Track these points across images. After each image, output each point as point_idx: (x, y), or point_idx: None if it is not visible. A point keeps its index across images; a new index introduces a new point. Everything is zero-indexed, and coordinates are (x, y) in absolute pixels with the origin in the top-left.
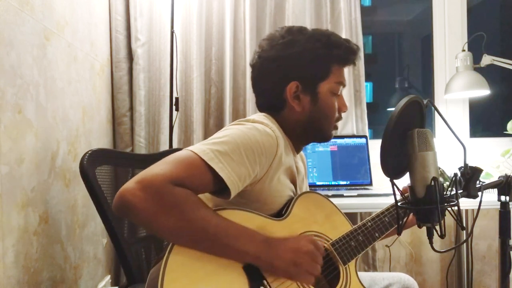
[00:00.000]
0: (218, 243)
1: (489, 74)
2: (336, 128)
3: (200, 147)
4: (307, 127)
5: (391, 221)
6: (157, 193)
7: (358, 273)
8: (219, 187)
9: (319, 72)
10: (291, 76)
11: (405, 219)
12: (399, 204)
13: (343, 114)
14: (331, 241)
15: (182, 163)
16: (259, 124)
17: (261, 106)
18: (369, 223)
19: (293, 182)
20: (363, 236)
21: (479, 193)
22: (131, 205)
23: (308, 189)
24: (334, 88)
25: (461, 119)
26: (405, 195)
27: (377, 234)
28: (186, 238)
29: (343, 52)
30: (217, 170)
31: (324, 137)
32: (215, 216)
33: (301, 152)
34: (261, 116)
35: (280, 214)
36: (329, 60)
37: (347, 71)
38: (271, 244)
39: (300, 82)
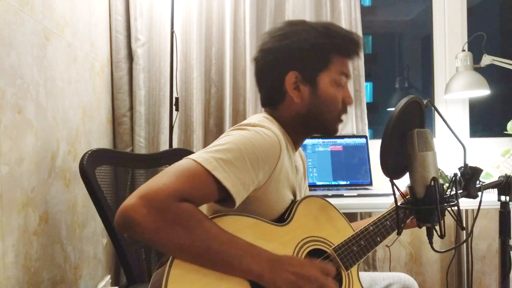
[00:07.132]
0: (221, 261)
1: (489, 74)
2: (341, 121)
3: (203, 156)
4: (308, 119)
5: (392, 224)
6: (160, 210)
7: (359, 273)
8: (223, 196)
9: (318, 61)
10: (290, 66)
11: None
12: (399, 204)
13: None
14: (333, 247)
15: (185, 174)
16: (261, 128)
17: (263, 101)
18: (371, 227)
19: (294, 182)
20: (365, 241)
21: (479, 193)
22: (135, 222)
23: (307, 189)
24: (337, 79)
25: (461, 119)
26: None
27: (379, 238)
28: (190, 255)
29: (342, 42)
30: (221, 180)
31: (327, 130)
32: (219, 232)
33: (301, 150)
34: (261, 118)
35: (282, 218)
36: (327, 49)
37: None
38: (276, 264)
39: (299, 72)
